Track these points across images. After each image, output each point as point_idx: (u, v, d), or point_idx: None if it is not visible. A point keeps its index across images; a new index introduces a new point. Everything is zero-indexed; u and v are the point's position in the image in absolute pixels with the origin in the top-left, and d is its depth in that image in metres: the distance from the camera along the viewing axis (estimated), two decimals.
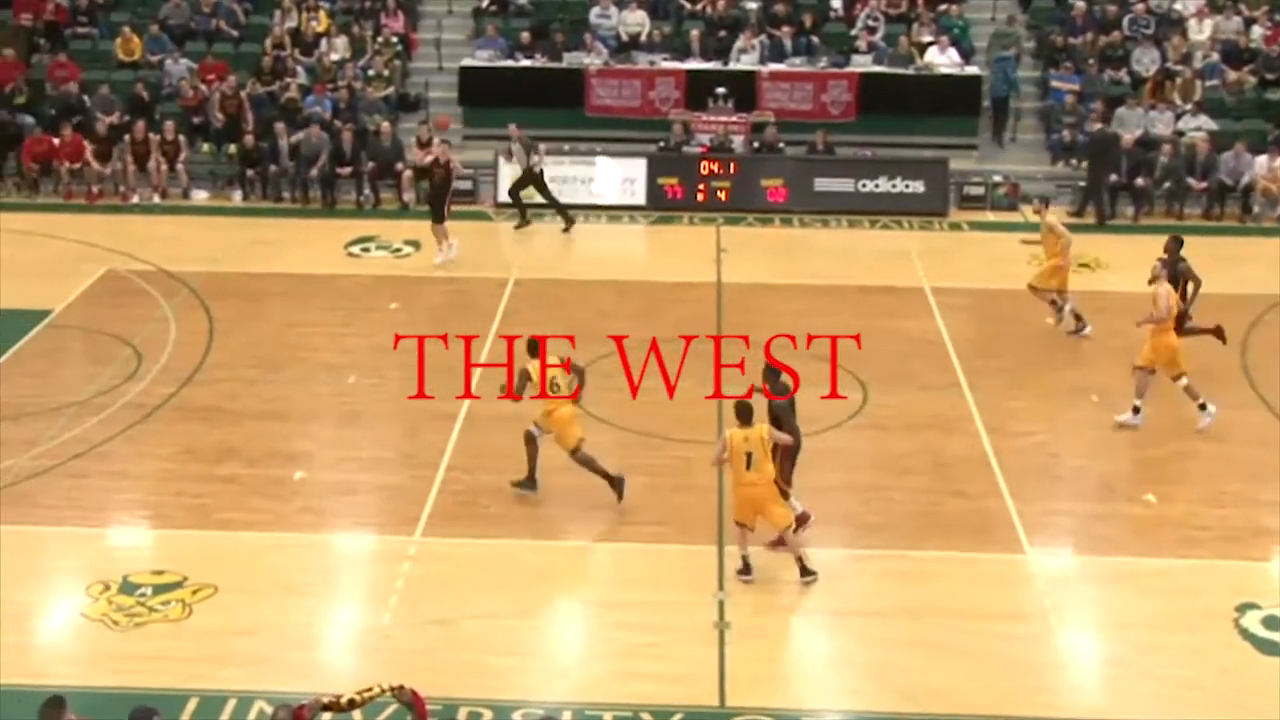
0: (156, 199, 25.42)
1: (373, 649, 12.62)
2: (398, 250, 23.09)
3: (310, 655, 12.57)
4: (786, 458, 13.94)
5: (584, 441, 14.86)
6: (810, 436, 15.75)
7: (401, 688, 9.65)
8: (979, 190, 25.44)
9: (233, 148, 25.60)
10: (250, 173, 25.50)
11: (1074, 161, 25.84)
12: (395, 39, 27.58)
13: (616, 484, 14.87)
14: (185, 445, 16.33)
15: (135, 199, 25.33)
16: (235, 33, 28.04)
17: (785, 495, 13.83)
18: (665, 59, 27.04)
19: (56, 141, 25.39)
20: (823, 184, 25.35)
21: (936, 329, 19.65)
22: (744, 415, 13.33)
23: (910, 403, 17.43)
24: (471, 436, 16.50)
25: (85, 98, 26.16)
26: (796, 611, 13.36)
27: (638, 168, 25.47)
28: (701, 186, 25.24)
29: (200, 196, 25.62)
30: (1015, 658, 12.57)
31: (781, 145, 25.83)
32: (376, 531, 14.69)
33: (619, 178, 25.47)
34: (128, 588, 13.44)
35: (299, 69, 26.97)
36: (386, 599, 13.35)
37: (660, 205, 25.28)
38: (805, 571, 13.62)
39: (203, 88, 26.40)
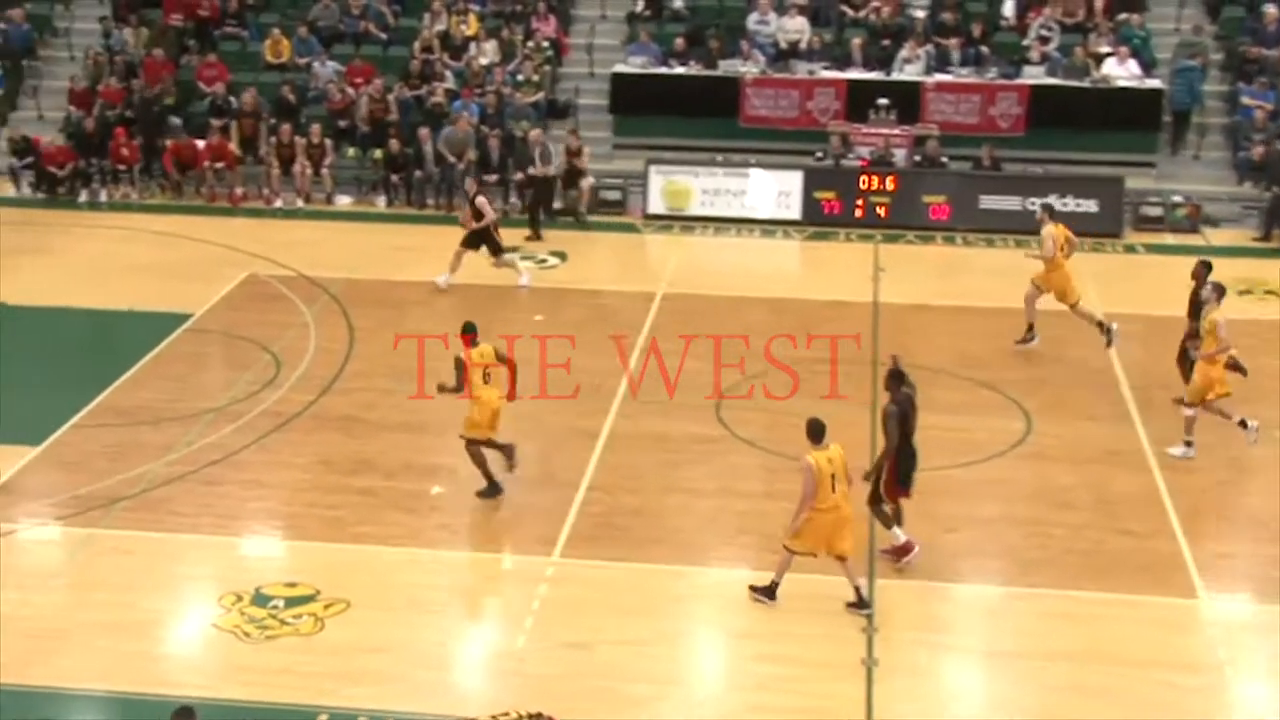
0: (300, 203, 26.03)
1: (506, 672, 12.73)
2: (542, 261, 23.33)
3: (442, 676, 12.72)
4: (891, 470, 13.89)
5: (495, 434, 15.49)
6: (969, 466, 15.57)
7: (539, 715, 9.64)
8: (1157, 211, 24.92)
9: (378, 152, 26.10)
10: (395, 178, 25.99)
11: (1263, 183, 25.18)
12: (546, 43, 27.89)
13: (493, 487, 15.56)
14: (321, 455, 16.67)
15: (279, 203, 25.98)
16: (383, 35, 28.61)
17: (888, 515, 13.99)
18: (825, 68, 26.97)
19: (201, 144, 26.13)
20: (988, 201, 25.05)
21: (1106, 356, 19.27)
22: (818, 434, 13.14)
23: (1076, 433, 17.12)
24: (613, 456, 16.58)
25: (232, 99, 26.88)
26: (949, 650, 13.17)
27: (793, 181, 25.41)
28: (860, 202, 25.11)
29: (344, 202, 26.16)
30: (1186, 711, 12.25)
31: (945, 160, 25.58)
32: (513, 551, 14.83)
33: (774, 191, 25.44)
34: (260, 599, 13.75)
35: (447, 73, 27.42)
36: (522, 621, 13.47)
37: (816, 220, 25.19)
38: (860, 604, 13.43)
39: (350, 91, 26.96)
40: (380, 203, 26.05)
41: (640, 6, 28.92)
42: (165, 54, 28.00)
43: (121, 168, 26.35)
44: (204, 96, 27.20)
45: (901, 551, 14.21)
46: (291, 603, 13.71)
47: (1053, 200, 24.59)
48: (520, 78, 27.28)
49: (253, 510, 15.56)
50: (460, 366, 15.43)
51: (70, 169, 26.10)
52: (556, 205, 25.40)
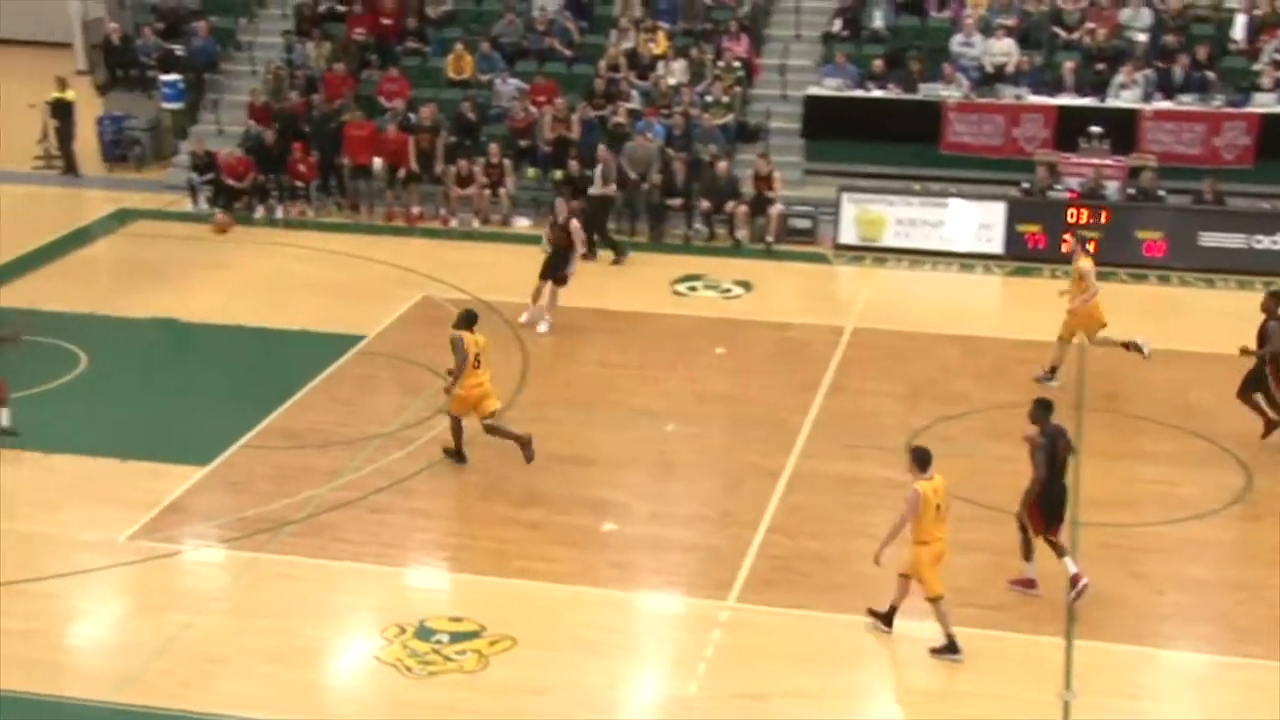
0: (476, 224, 26.46)
1: None
2: (727, 291, 23.36)
3: None
4: (1035, 503, 14.03)
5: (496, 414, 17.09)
6: (1179, 523, 15.15)
7: None
8: None
9: (558, 173, 26.43)
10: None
11: None
12: (737, 63, 28.00)
13: (459, 456, 17.23)
14: (489, 485, 16.87)
15: (454, 223, 26.44)
16: (568, 53, 28.99)
17: (1026, 538, 14.16)
18: (1033, 93, 26.60)
19: (378, 162, 26.72)
20: (1209, 238, 24.42)
21: None
22: (924, 462, 13.29)
23: None
24: (795, 497, 16.50)
25: (411, 115, 27.43)
26: None
27: (995, 212, 25.09)
28: (1067, 236, 24.66)
29: (522, 224, 26.52)
30: None
31: (1162, 193, 25.01)
32: (687, 593, 14.83)
33: (974, 223, 25.14)
34: (424, 633, 13.95)
35: (633, 93, 27.67)
36: (694, 667, 13.45)
37: (1019, 255, 24.82)
38: (949, 649, 13.43)
39: (532, 109, 27.34)
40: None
41: (837, 26, 28.86)
42: (346, 69, 28.74)
43: (299, 184, 27.10)
44: (384, 112, 27.81)
45: (1026, 584, 14.44)
46: (456, 638, 13.88)
47: None
48: (709, 99, 27.41)
49: (419, 540, 15.81)
50: (459, 346, 16.95)
51: (249, 181, 26.90)
52: (742, 234, 25.43)
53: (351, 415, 18.68)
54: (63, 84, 29.56)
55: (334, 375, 19.94)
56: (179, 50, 30.05)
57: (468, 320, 17.33)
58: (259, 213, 26.90)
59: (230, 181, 26.96)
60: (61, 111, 29.44)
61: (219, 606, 14.47)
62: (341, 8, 30.36)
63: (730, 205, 25.45)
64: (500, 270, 24.18)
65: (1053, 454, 14.09)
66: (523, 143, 27.04)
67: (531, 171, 26.92)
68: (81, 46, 35.52)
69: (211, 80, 30.10)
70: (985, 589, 14.64)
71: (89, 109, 30.46)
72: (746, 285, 23.56)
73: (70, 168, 29.56)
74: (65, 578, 14.92)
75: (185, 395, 19.41)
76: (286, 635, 13.94)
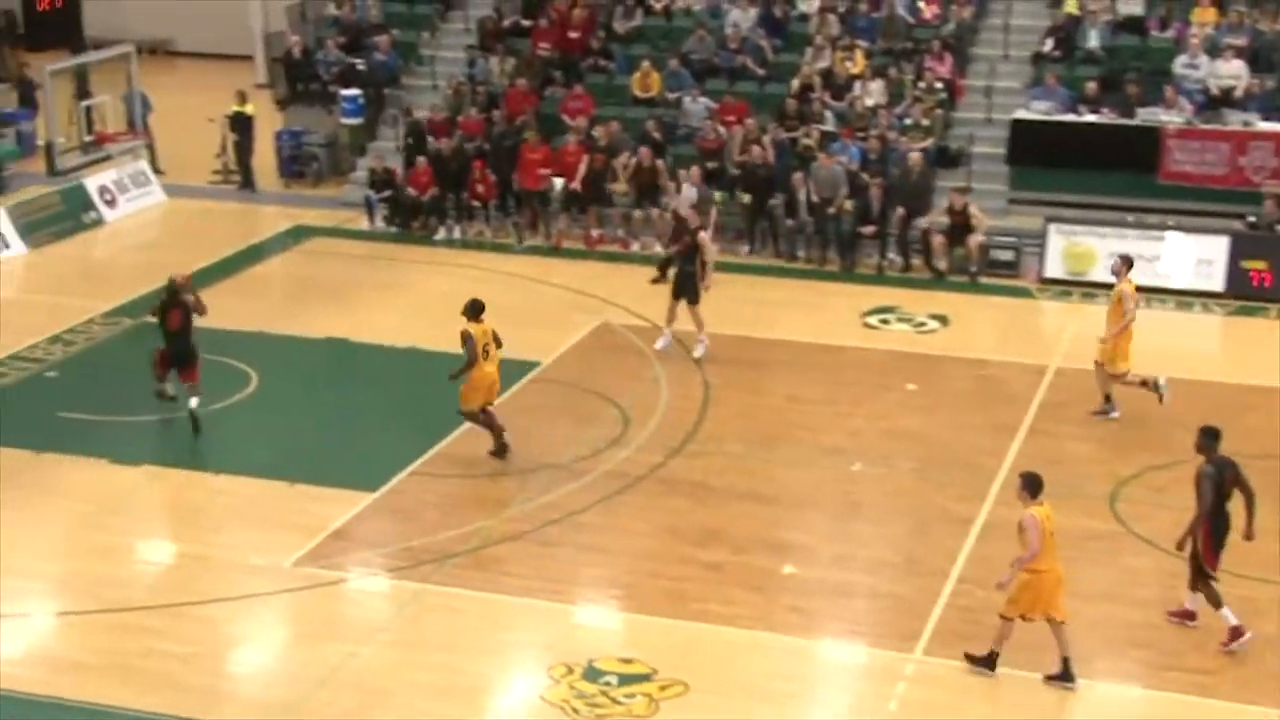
0: (658, 248, 26.60)
1: None
2: (921, 325, 23.16)
3: None
4: (1207, 535, 14.17)
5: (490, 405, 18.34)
6: None
7: None
8: None
9: (746, 197, 26.45)
10: (762, 226, 26.28)
11: None
12: (939, 85, 27.78)
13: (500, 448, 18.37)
14: (667, 523, 16.92)
15: (636, 247, 26.59)
16: (761, 71, 29.02)
17: (1216, 593, 14.23)
18: (1263, 119, 25.94)
19: (559, 182, 27.00)
20: None
21: None
22: (1035, 488, 13.53)
23: None
24: (988, 545, 16.26)
25: (594, 133, 27.65)
26: None
27: (1217, 247, 24.50)
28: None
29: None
30: None
31: None
32: (870, 643, 14.69)
33: (1193, 258, 24.58)
34: (592, 674, 14.01)
35: (827, 114, 27.62)
36: None
37: (1242, 293, 24.20)
38: (1064, 676, 13.56)
39: (721, 130, 27.41)
40: (743, 251, 26.38)
41: (1049, 46, 28.48)
42: (529, 85, 29.13)
43: (476, 204, 27.52)
44: (565, 130, 28.10)
45: (1234, 634, 14.30)
46: (625, 680, 13.92)
47: None
48: (908, 122, 27.23)
49: (590, 577, 15.90)
50: (468, 339, 18.08)
51: (430, 196, 27.38)
52: (942, 265, 25.19)
53: (524, 444, 18.86)
54: (242, 98, 30.43)
55: (507, 403, 20.14)
56: (360, 64, 30.76)
57: (474, 310, 18.40)
58: (439, 234, 27.34)
59: (412, 192, 27.46)
60: (240, 126, 30.30)
61: (383, 637, 14.71)
62: (527, 22, 30.78)
63: (925, 222, 25.25)
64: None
65: (1219, 485, 14.18)
66: (710, 164, 27.09)
67: (718, 195, 26.98)
68: (262, 60, 36.50)
69: (391, 95, 30.76)
70: (1195, 653, 14.28)
71: (268, 124, 31.33)
72: (942, 319, 23.32)
73: (247, 183, 30.41)
74: (228, 602, 15.30)
75: (355, 418, 19.80)
76: (450, 671, 14.11)
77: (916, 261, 25.48)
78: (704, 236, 21.53)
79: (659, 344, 21.61)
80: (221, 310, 23.34)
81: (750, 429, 19.37)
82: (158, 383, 19.21)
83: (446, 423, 19.14)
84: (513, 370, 21.07)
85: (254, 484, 17.82)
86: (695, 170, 25.86)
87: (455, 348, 21.87)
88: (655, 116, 27.89)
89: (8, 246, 26.56)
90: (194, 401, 19.08)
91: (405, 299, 24.37)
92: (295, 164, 30.71)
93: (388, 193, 27.92)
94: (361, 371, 21.83)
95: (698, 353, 21.44)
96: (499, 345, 18.49)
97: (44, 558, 16.22)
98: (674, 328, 21.75)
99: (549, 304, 23.95)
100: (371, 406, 20.22)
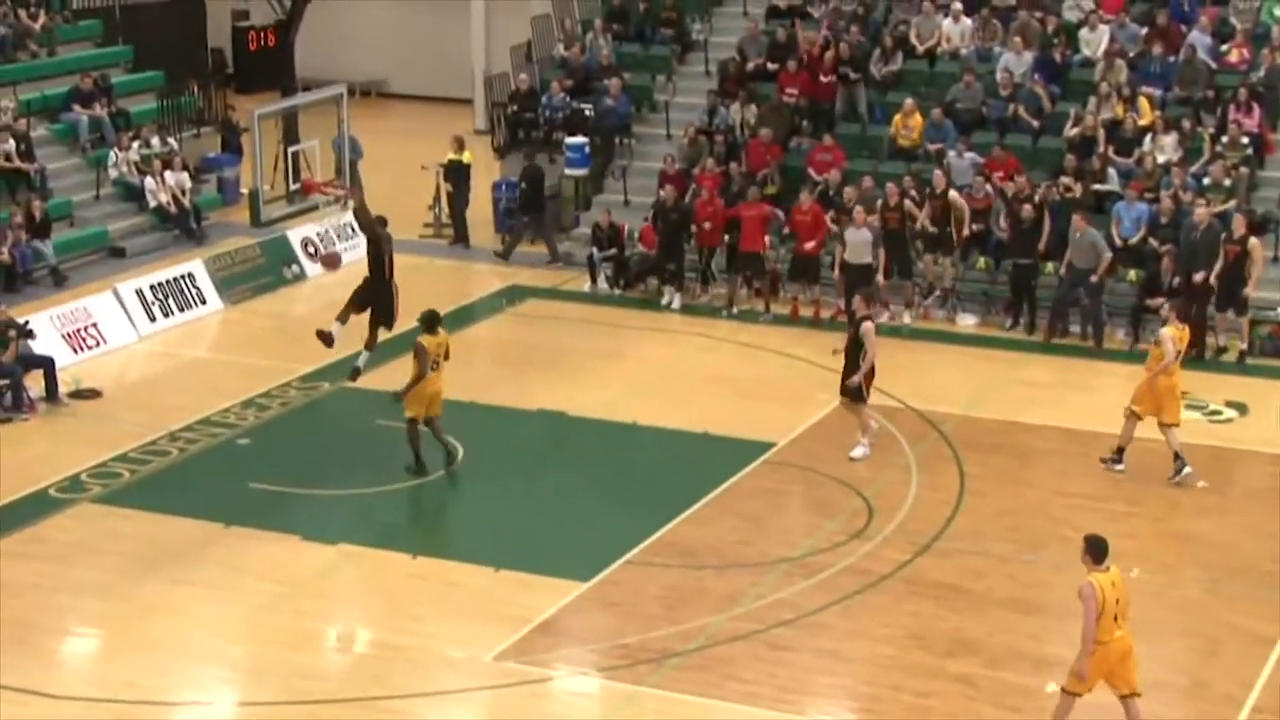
0: (907, 318, 26.43)
1: None
2: (1215, 413, 22.60)
3: None
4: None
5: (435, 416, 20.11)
6: None
7: None
8: None
9: (1013, 264, 26.13)
10: (1026, 298, 25.94)
11: None
12: (1245, 140, 27.13)
13: (420, 467, 20.26)
14: (912, 629, 16.72)
15: (885, 317, 26.42)
16: (1035, 122, 28.70)
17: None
18: None
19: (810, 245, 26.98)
20: None
21: None
22: (1099, 554, 13.91)
23: None
24: None
25: (844, 191, 27.51)
26: None
27: None
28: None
29: (968, 322, 26.33)
30: None
31: None
32: None
33: None
34: None
35: (1110, 171, 27.19)
36: None
37: None
38: None
39: (988, 188, 27.10)
40: (1007, 324, 26.05)
41: None
42: (773, 134, 29.23)
43: (706, 267, 27.64)
44: (815, 186, 28.06)
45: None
46: None
47: None
48: (1206, 181, 26.64)
49: (825, 686, 15.79)
50: (420, 352, 19.79)
51: (655, 255, 27.59)
52: (1242, 345, 24.57)
53: (755, 534, 18.84)
54: (460, 145, 31.07)
55: (737, 487, 20.18)
56: (588, 110, 31.20)
57: (429, 322, 20.19)
58: (665, 299, 27.50)
59: (643, 249, 27.72)
60: (456, 175, 30.96)
61: None
62: (773, 66, 30.88)
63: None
64: (938, 374, 24.13)
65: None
66: (975, 226, 26.83)
67: (982, 261, 26.71)
68: (482, 104, 37.29)
69: (622, 145, 31.11)
70: None
71: (484, 173, 31.98)
72: (1240, 407, 22.73)
73: (460, 237, 31.05)
74: (424, 697, 15.51)
75: (568, 499, 19.98)
76: None
77: (1212, 341, 24.87)
78: (868, 327, 20.87)
79: (855, 453, 21.01)
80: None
81: (1011, 526, 19.09)
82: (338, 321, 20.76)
83: (669, 506, 19.22)
84: (745, 451, 21.12)
85: (456, 568, 18.08)
86: (861, 211, 25.80)
87: (682, 423, 22.13)
88: (913, 172, 27.73)
89: (204, 302, 27.51)
90: (363, 358, 20.88)
91: (627, 370, 24.58)
92: (512, 218, 31.25)
93: (612, 251, 28.26)
94: (577, 448, 22.05)
95: (856, 453, 20.87)
96: (447, 358, 20.33)
97: (230, 640, 16.63)
98: (930, 409, 21.51)
99: (788, 378, 23.94)
100: (587, 487, 20.40)
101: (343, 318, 20.87)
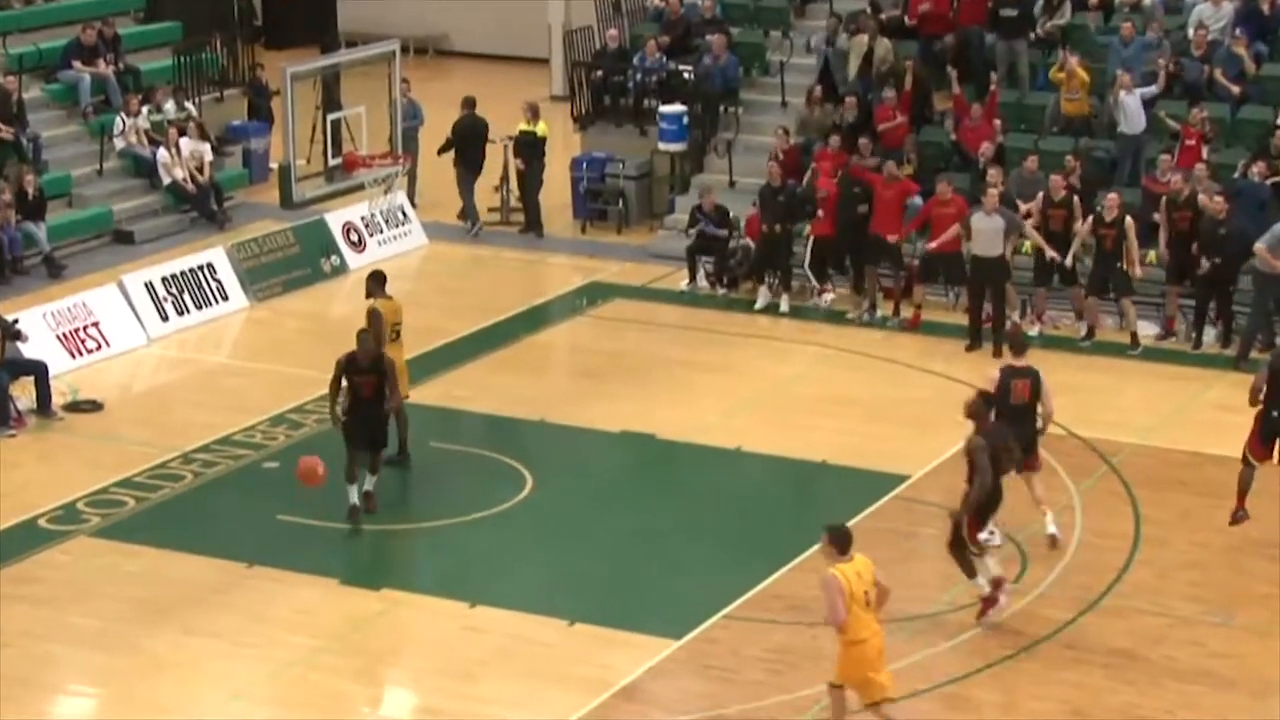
0: (1074, 326, 26.21)
1: None
2: None
3: None
4: (974, 512, 17.63)
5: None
6: None
7: None
8: None
9: (1205, 263, 25.74)
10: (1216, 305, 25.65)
11: None
12: None
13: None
14: (1076, 704, 16.61)
15: (1036, 329, 26.06)
16: (1235, 89, 28.17)
17: (970, 563, 17.74)
18: None
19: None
20: None
21: None
22: (842, 543, 15.14)
23: None
24: None
25: (989, 171, 27.28)
26: None
27: None
28: None
29: (1147, 334, 26.06)
30: None
31: None
32: None
33: None
34: None
35: None
36: None
37: None
38: None
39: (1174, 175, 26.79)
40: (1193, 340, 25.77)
41: None
42: (907, 90, 28.92)
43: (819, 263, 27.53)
44: (969, 162, 27.85)
45: (988, 604, 17.76)
46: None
47: None
48: None
49: None
50: (375, 317, 20.55)
51: (755, 246, 27.52)
52: None
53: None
54: (534, 113, 30.96)
55: (863, 528, 20.00)
56: (686, 72, 31.17)
57: (379, 283, 21.15)
58: (763, 299, 27.39)
59: (749, 241, 27.65)
60: (528, 149, 30.94)
61: None
62: (911, 21, 30.64)
63: None
64: (1112, 396, 24.07)
65: (995, 457, 17.69)
66: (1155, 215, 26.49)
67: (1152, 254, 26.30)
68: (561, 65, 37.22)
69: (725, 115, 31.03)
70: None
71: (562, 148, 32.03)
72: None
73: (532, 224, 31.08)
74: None
75: (657, 540, 19.99)
76: None
77: None
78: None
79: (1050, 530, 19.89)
80: (493, 390, 23.96)
81: (1196, 581, 18.95)
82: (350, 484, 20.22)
83: (777, 551, 19.17)
84: (872, 485, 21.04)
85: (521, 620, 18.10)
86: (993, 193, 25.51)
87: (794, 450, 22.11)
88: (1077, 150, 27.50)
89: (226, 298, 27.66)
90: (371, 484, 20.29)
91: (730, 385, 24.53)
92: (595, 201, 31.28)
93: (723, 233, 27.96)
94: (668, 479, 22.05)
95: (1050, 529, 19.86)
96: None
97: (253, 703, 16.71)
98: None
99: (925, 399, 23.81)
100: (679, 525, 20.39)
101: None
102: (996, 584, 17.89)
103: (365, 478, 20.17)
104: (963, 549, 17.89)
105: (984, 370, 24.30)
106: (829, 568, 15.04)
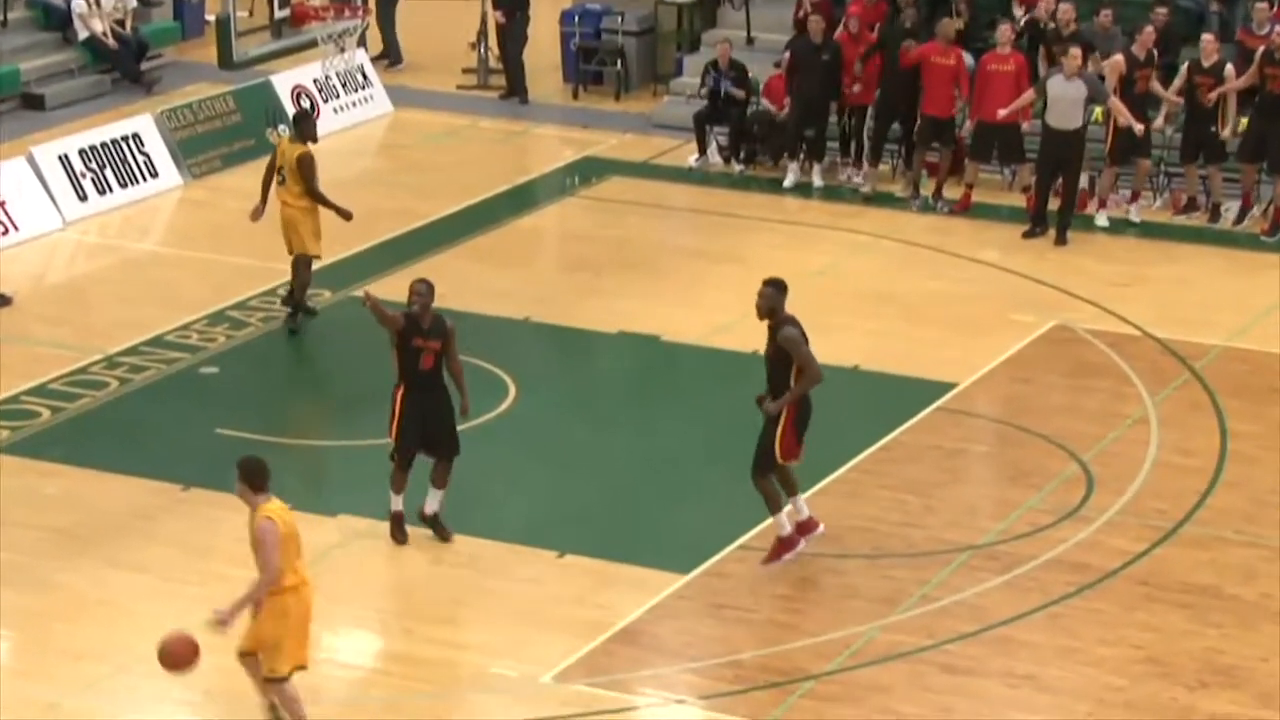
0: (1133, 214, 26.16)
1: None
2: None
3: None
4: (791, 420, 17.41)
5: None
6: None
7: None
8: None
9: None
10: None
11: None
12: None
13: None
14: (1150, 649, 16.64)
15: (1102, 216, 26.08)
16: None
17: (776, 495, 17.42)
18: None
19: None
20: None
21: None
22: (259, 478, 14.96)
23: None
24: None
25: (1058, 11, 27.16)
26: None
27: None
28: None
29: (1234, 215, 26.04)
30: None
31: None
32: None
33: None
34: None
35: None
36: None
37: None
38: None
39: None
40: None
41: None
42: None
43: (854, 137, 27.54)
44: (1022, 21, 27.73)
45: (783, 547, 17.55)
46: None
47: None
48: None
49: None
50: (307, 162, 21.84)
51: (784, 116, 27.48)
52: None
53: (923, 513, 18.87)
54: None
55: (900, 444, 20.16)
56: None
57: (303, 126, 22.38)
58: (792, 177, 27.40)
59: (769, 109, 27.58)
60: (509, 0, 30.82)
61: None
62: None
63: None
64: (1197, 290, 24.09)
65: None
66: None
67: (1244, 122, 26.23)
68: None
69: None
70: None
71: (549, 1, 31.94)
72: None
73: (515, 89, 31.01)
74: None
75: (661, 460, 20.07)
76: None
77: None
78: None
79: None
80: (469, 283, 23.92)
81: None
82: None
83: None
84: (913, 394, 21.09)
85: (503, 551, 18.16)
86: (1076, 53, 25.27)
87: (824, 356, 21.87)
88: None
89: (154, 175, 27.64)
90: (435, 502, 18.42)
91: (747, 278, 24.39)
92: (588, 62, 31.18)
93: (742, 95, 27.86)
94: (673, 387, 22.13)
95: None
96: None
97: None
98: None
99: (974, 293, 23.86)
100: (686, 443, 20.44)
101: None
102: (805, 528, 17.71)
103: (430, 494, 18.22)
104: (770, 472, 17.56)
105: (1050, 260, 24.48)
106: (256, 512, 14.83)
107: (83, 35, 31.10)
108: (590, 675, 16.23)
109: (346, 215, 22.46)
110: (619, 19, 31.13)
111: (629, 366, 22.52)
